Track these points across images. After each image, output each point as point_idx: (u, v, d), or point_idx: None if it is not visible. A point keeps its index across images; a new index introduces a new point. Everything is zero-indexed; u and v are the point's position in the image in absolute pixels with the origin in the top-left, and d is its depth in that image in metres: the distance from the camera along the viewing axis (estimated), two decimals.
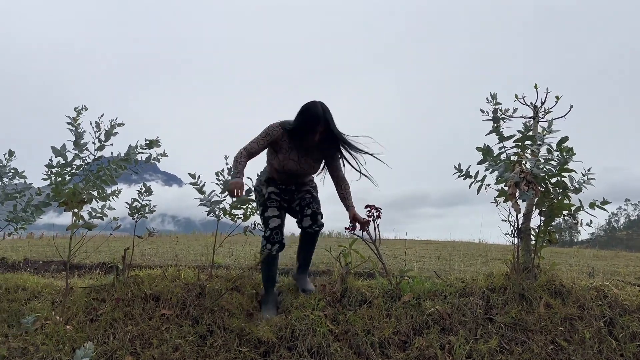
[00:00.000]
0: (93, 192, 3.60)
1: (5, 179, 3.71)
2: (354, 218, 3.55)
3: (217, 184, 3.79)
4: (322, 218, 3.59)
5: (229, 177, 3.36)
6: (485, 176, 3.47)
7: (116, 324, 3.26)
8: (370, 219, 3.65)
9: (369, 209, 3.64)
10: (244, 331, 3.22)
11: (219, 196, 3.82)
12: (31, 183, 3.83)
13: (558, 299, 3.28)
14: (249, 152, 3.39)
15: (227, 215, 3.93)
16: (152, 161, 3.77)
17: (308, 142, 3.45)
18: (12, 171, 3.73)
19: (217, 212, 3.82)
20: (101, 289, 3.58)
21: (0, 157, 3.73)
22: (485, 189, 3.49)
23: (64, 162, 3.53)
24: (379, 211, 3.66)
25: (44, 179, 3.56)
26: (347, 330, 3.22)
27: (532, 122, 3.62)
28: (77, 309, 3.42)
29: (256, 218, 3.74)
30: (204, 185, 3.83)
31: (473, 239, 10.80)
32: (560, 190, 3.30)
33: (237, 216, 3.88)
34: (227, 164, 3.81)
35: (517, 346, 2.98)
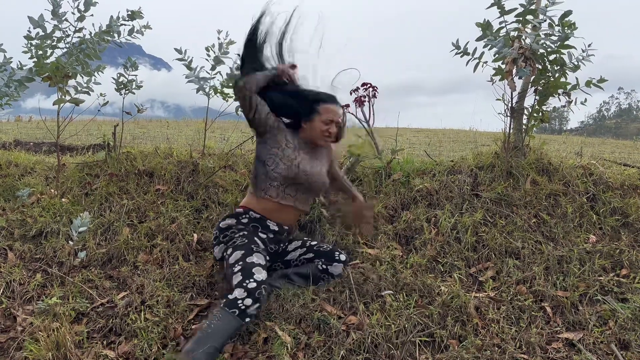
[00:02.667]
0: (77, 67, 3.47)
1: None
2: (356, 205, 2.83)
3: (206, 59, 3.67)
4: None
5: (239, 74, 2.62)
6: (483, 53, 3.37)
7: (111, 198, 3.32)
8: (366, 98, 3.61)
9: (365, 86, 3.57)
10: (239, 205, 3.30)
11: (208, 72, 3.71)
12: (11, 57, 3.68)
13: (545, 177, 3.36)
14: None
15: (217, 94, 3.85)
16: (136, 35, 3.60)
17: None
18: None
19: (207, 90, 3.73)
20: (94, 165, 3.60)
21: None
22: (483, 66, 3.40)
23: (43, 33, 3.35)
24: (375, 90, 3.60)
25: (24, 52, 3.41)
26: (339, 208, 3.31)
27: None
28: (71, 183, 3.46)
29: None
30: (191, 61, 3.70)
31: (464, 126, 10.85)
32: (558, 67, 3.23)
33: (228, 95, 3.81)
34: (218, 39, 3.65)
35: (501, 219, 3.09)
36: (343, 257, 2.64)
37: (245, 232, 2.50)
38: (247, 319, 2.17)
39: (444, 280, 2.72)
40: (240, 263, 2.30)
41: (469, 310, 2.43)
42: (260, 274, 2.25)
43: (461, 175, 3.42)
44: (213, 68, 3.67)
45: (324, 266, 2.61)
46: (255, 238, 2.49)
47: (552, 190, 3.25)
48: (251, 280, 2.20)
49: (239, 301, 2.15)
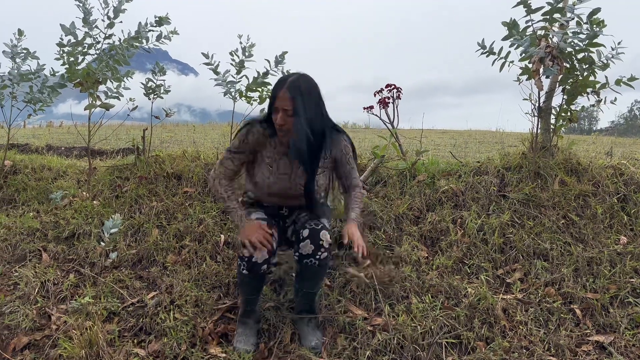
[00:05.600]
0: (107, 73, 3.56)
1: (18, 60, 3.68)
2: (349, 234, 2.21)
3: (231, 64, 3.72)
4: (328, 238, 2.20)
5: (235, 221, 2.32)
6: (509, 52, 3.34)
7: (141, 200, 3.40)
8: (390, 99, 3.61)
9: (389, 87, 3.57)
10: None
11: (233, 77, 3.77)
12: (44, 64, 3.80)
13: (573, 177, 3.30)
14: (225, 176, 2.33)
15: (242, 98, 3.91)
16: (164, 40, 3.68)
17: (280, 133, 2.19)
18: (24, 51, 3.68)
19: (233, 94, 3.79)
20: (124, 168, 3.69)
21: (10, 37, 3.68)
22: (509, 66, 3.37)
23: (74, 40, 3.46)
24: (400, 91, 3.60)
25: (57, 59, 3.52)
26: (364, 208, 3.31)
27: None
28: (102, 186, 3.56)
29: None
30: (218, 65, 3.76)
31: (490, 127, 10.70)
32: (587, 66, 3.18)
33: (252, 99, 3.85)
34: (240, 43, 3.71)
35: (529, 220, 3.05)
36: (306, 232, 2.19)
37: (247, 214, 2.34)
38: (245, 271, 2.18)
39: (471, 282, 2.69)
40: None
41: (496, 312, 2.41)
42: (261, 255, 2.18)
43: (488, 176, 3.39)
44: (238, 72, 3.72)
45: (296, 255, 2.25)
46: (252, 215, 2.34)
47: (582, 190, 3.19)
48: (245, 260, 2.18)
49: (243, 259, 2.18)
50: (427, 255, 2.92)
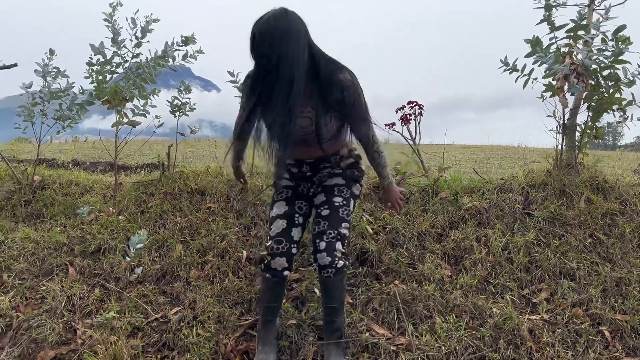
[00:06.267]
0: (134, 91, 3.64)
1: (48, 78, 3.79)
2: (384, 205, 2.40)
3: None
4: (343, 248, 2.16)
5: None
6: (532, 69, 3.32)
7: (165, 216, 3.45)
8: (412, 116, 3.61)
9: (411, 104, 3.58)
10: None
11: None
12: (73, 82, 3.90)
13: (600, 195, 3.24)
14: (236, 126, 2.28)
15: None
16: (189, 59, 3.75)
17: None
18: (55, 70, 3.79)
19: None
20: (149, 184, 3.75)
21: (42, 56, 3.79)
22: (532, 83, 3.35)
23: (103, 60, 3.55)
24: (421, 108, 3.60)
25: (86, 77, 3.62)
26: (386, 225, 3.30)
27: (586, 9, 3.37)
28: (127, 202, 3.62)
29: None
30: (241, 82, 3.81)
31: (512, 142, 10.58)
32: (612, 83, 3.14)
33: None
34: None
35: (555, 239, 3.00)
36: (322, 245, 2.12)
37: (276, 178, 2.36)
38: (268, 274, 2.16)
39: (496, 302, 2.66)
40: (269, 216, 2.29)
41: (522, 333, 2.37)
42: (276, 226, 2.20)
43: (512, 193, 3.35)
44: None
45: (315, 264, 2.19)
46: (279, 180, 2.34)
47: (608, 209, 3.13)
48: (269, 234, 2.22)
49: (262, 260, 2.20)
50: (450, 273, 2.89)
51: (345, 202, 2.22)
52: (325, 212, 2.18)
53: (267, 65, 1.86)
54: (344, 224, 2.17)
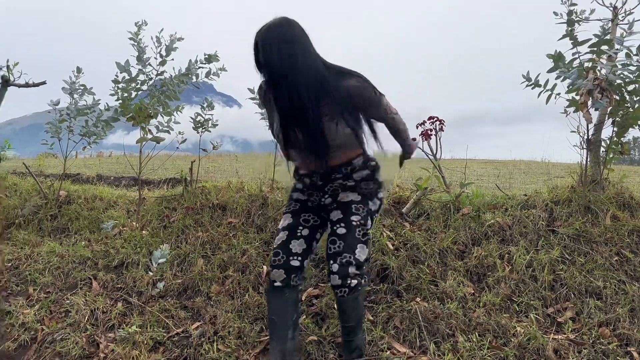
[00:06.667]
0: (158, 107, 3.72)
1: (75, 95, 3.89)
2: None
3: None
4: (358, 270, 2.06)
5: None
6: (555, 84, 3.29)
7: (187, 230, 3.48)
8: (432, 131, 3.60)
9: (431, 120, 3.57)
10: None
11: None
12: (99, 99, 4.00)
13: (626, 212, 3.18)
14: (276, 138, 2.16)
15: None
16: (212, 76, 3.82)
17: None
18: (81, 87, 3.90)
19: None
20: (172, 199, 3.81)
21: (69, 74, 3.90)
22: (555, 98, 3.32)
23: (128, 77, 3.64)
24: (442, 123, 3.59)
25: (111, 95, 3.71)
26: (406, 241, 3.28)
27: (610, 24, 3.34)
28: (150, 216, 3.67)
29: None
30: None
31: (535, 157, 10.43)
32: (638, 98, 3.09)
33: None
34: None
35: (580, 257, 2.94)
36: (335, 267, 2.04)
37: (291, 191, 2.33)
38: (271, 291, 2.12)
39: (520, 321, 2.60)
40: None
41: (547, 353, 2.31)
42: (277, 238, 2.18)
43: (535, 209, 3.31)
44: None
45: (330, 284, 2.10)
46: (293, 193, 2.30)
47: (635, 226, 3.06)
48: (273, 248, 2.19)
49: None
50: (473, 291, 2.85)
51: (362, 222, 2.11)
52: (341, 231, 2.08)
53: (273, 75, 1.89)
54: (359, 246, 2.07)
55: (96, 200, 4.09)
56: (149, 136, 3.70)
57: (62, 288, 3.08)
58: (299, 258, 2.13)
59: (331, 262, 2.06)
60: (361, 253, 2.07)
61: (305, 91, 1.88)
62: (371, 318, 2.66)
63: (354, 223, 2.09)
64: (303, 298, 2.84)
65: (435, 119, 3.63)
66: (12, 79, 4.32)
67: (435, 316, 2.58)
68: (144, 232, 3.51)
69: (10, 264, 3.23)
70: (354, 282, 2.03)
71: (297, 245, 2.14)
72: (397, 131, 2.24)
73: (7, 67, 4.27)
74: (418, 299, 2.76)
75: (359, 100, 2.01)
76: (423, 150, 3.66)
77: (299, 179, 2.26)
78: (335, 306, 2.71)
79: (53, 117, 3.91)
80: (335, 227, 2.10)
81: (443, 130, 3.70)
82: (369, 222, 2.16)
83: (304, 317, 2.67)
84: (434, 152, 3.79)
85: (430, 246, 3.14)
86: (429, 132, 3.74)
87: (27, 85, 4.40)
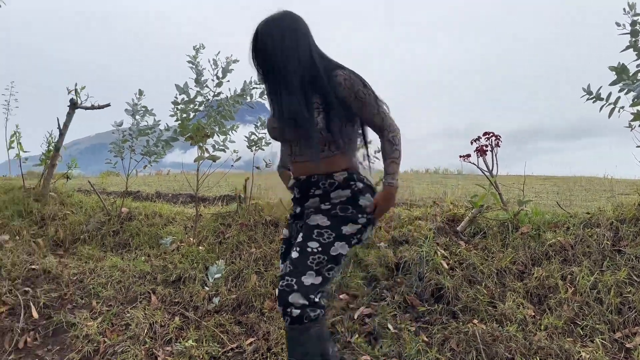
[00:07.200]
0: (215, 127, 3.83)
1: (137, 117, 4.08)
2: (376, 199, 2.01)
3: None
4: (303, 298, 1.83)
5: None
6: (618, 98, 3.15)
7: (241, 246, 3.55)
8: (488, 147, 3.52)
9: (487, 135, 3.49)
10: (356, 257, 3.34)
11: None
12: (159, 120, 4.17)
13: None
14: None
15: None
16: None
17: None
18: (143, 109, 4.08)
19: None
20: (227, 216, 3.90)
21: (132, 96, 4.11)
22: (619, 112, 3.18)
23: (187, 99, 3.78)
24: (498, 139, 3.50)
25: (171, 116, 3.86)
26: (462, 261, 3.19)
27: None
28: (206, 232, 3.77)
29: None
30: None
31: (597, 173, 9.95)
32: None
33: None
34: None
35: None
36: (277, 291, 1.91)
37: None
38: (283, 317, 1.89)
39: (585, 346, 2.47)
40: None
41: None
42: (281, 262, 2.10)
43: (600, 228, 3.15)
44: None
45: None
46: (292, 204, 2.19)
47: None
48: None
49: None
50: (534, 314, 2.73)
51: (320, 249, 1.89)
52: (294, 255, 1.91)
53: (266, 64, 1.94)
54: (308, 273, 1.86)
55: (156, 217, 4.24)
56: (206, 155, 3.81)
57: (122, 302, 3.20)
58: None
59: (278, 282, 1.93)
60: (309, 280, 1.86)
61: (297, 80, 1.89)
62: (426, 339, 2.60)
63: (309, 250, 1.89)
64: (355, 317, 2.82)
65: (491, 134, 3.54)
66: (79, 101, 4.59)
67: (494, 339, 2.49)
68: (200, 247, 3.60)
69: (75, 278, 3.39)
70: (296, 312, 1.81)
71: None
72: (386, 142, 1.99)
73: (75, 90, 4.54)
74: (475, 321, 2.68)
75: (348, 93, 1.91)
76: (478, 167, 3.57)
77: (291, 189, 2.17)
78: (390, 325, 2.67)
79: (116, 137, 4.11)
80: (292, 250, 1.96)
81: (499, 146, 3.60)
82: (333, 249, 1.91)
83: (357, 336, 2.65)
84: (490, 168, 3.69)
85: (487, 266, 3.05)
86: (484, 148, 3.65)
87: (92, 107, 4.67)
